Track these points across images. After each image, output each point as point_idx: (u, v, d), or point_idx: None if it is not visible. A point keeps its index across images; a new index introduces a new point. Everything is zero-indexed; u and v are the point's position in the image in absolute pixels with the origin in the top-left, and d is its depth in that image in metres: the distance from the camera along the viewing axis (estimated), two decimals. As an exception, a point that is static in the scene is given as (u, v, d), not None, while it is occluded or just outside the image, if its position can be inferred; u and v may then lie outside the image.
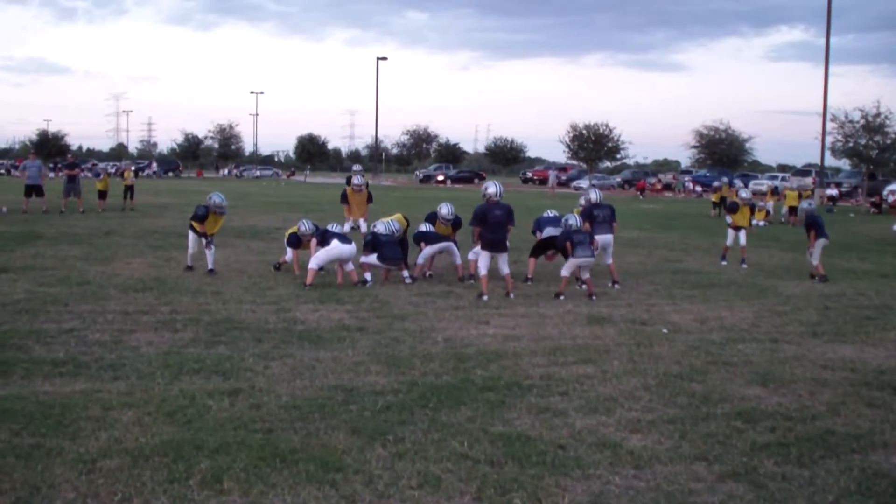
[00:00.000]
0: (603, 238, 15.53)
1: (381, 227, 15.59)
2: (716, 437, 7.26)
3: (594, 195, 16.30)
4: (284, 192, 58.67)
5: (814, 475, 6.46)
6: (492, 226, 13.79)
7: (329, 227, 15.42)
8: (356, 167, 24.84)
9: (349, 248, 14.60)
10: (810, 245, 17.75)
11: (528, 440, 6.97)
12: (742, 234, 19.32)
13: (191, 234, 16.28)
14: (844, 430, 7.56)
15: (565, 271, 14.24)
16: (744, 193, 20.07)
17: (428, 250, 15.72)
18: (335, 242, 14.54)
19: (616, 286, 15.52)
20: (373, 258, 14.85)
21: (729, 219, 19.66)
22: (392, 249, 15.05)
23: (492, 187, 14.08)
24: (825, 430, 7.56)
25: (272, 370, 9.01)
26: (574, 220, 14.66)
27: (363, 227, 19.39)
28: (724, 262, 19.30)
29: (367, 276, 15.13)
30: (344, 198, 20.50)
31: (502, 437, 7.00)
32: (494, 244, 13.86)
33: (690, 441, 7.13)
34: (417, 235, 15.96)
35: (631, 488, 6.10)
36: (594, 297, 14.07)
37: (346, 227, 18.38)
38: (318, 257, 14.61)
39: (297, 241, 15.96)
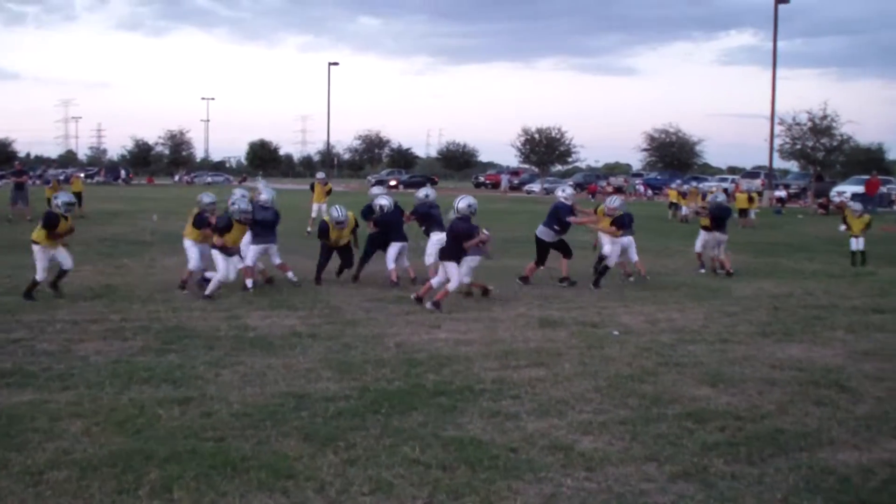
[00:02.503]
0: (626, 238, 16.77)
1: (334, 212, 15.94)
2: (666, 437, 7.32)
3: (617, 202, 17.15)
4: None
5: (763, 473, 6.54)
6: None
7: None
8: (320, 174, 29.47)
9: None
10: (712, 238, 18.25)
11: (480, 444, 6.99)
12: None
13: (194, 249, 14.86)
14: (793, 429, 7.66)
15: (466, 278, 14.27)
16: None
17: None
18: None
19: (641, 279, 17.05)
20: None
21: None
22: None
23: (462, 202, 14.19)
24: (774, 428, 7.66)
25: (223, 378, 8.96)
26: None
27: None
28: (702, 270, 19.09)
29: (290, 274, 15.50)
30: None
31: (454, 442, 7.01)
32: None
33: (641, 442, 7.18)
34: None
35: (582, 490, 6.14)
36: (490, 295, 14.26)
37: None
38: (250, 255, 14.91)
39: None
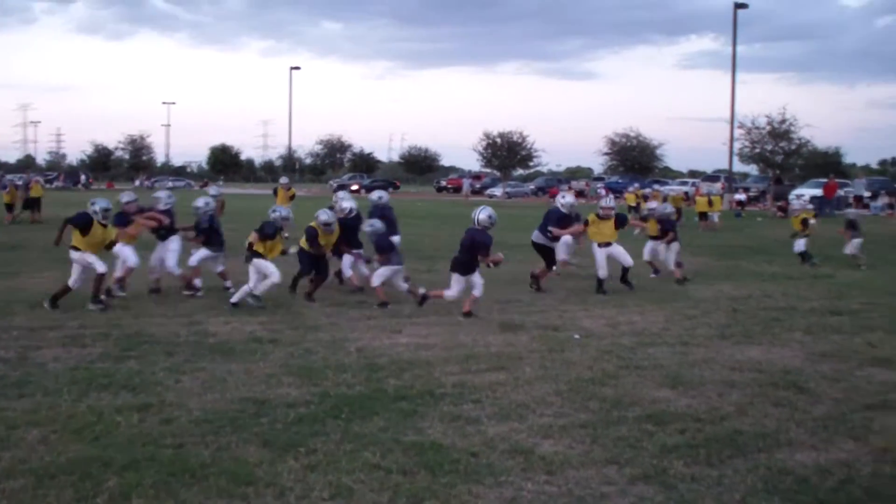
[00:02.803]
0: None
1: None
2: (627, 440, 7.35)
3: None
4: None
5: (722, 475, 6.59)
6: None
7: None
8: (283, 179, 29.87)
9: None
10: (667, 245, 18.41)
11: (441, 448, 6.99)
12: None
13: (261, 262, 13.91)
14: (752, 430, 7.71)
15: (376, 280, 14.28)
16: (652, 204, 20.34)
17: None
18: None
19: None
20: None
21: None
22: None
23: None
24: (733, 430, 7.71)
25: (183, 384, 8.91)
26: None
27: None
28: (652, 275, 18.89)
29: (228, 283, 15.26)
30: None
31: (415, 447, 7.01)
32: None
33: (602, 445, 7.21)
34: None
35: (543, 493, 6.16)
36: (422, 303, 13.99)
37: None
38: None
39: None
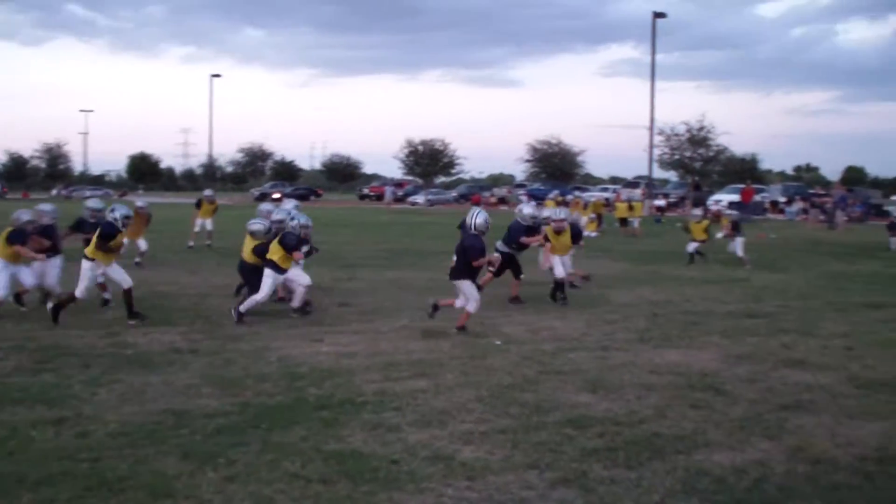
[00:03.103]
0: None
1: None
2: (547, 444, 7.40)
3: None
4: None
5: (641, 477, 6.67)
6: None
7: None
8: (208, 192, 28.77)
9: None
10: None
11: (362, 457, 6.98)
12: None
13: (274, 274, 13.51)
14: (670, 432, 7.82)
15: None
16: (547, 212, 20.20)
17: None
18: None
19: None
20: None
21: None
22: None
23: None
24: (652, 432, 7.81)
25: (100, 396, 8.77)
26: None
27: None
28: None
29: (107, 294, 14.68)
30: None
31: (335, 455, 6.99)
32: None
33: (522, 450, 7.25)
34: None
35: (464, 499, 6.18)
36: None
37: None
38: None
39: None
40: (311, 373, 9.90)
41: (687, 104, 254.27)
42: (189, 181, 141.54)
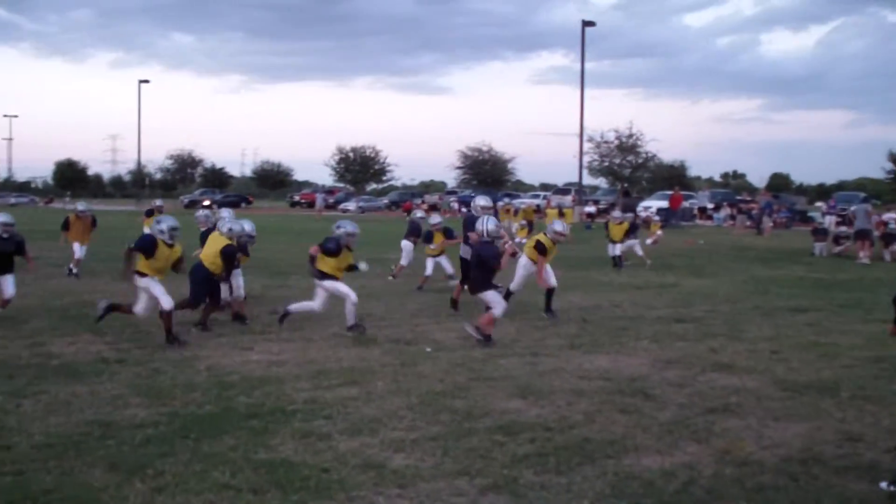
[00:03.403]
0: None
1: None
2: (478, 451, 7.42)
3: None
4: (42, 219, 56.29)
5: (571, 482, 6.71)
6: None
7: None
8: (158, 202, 28.78)
9: None
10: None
11: (292, 466, 6.94)
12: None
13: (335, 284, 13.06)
14: (600, 437, 7.88)
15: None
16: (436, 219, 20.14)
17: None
18: None
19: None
20: None
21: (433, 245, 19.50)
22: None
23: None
24: (582, 437, 7.86)
25: (24, 408, 8.60)
26: None
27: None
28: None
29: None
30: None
31: (265, 465, 6.94)
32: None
33: (453, 457, 7.26)
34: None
35: (394, 507, 6.17)
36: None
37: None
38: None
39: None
40: (240, 381, 9.82)
41: (617, 111, 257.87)
42: (117, 188, 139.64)
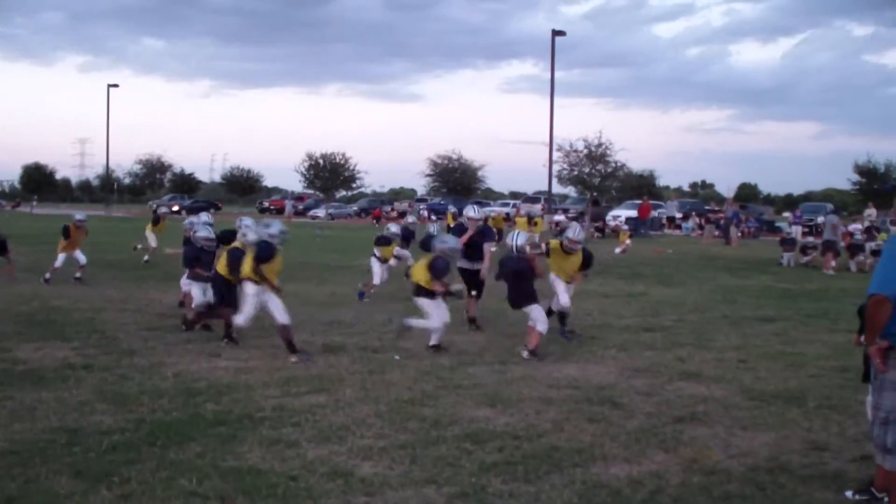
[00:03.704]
0: None
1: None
2: (446, 459, 7.41)
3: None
4: (9, 223, 55.88)
5: (539, 490, 6.71)
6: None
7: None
8: (164, 209, 28.54)
9: None
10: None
11: (259, 473, 6.91)
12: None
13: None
14: (568, 446, 7.89)
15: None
16: (393, 228, 19.96)
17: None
18: None
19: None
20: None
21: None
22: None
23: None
24: (550, 446, 7.87)
25: (-11, 414, 8.54)
26: None
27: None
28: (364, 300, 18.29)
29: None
30: None
31: (233, 472, 6.91)
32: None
33: (421, 465, 7.25)
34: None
35: (362, 516, 6.16)
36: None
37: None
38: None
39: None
40: (208, 388, 9.77)
41: (587, 120, 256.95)
42: (86, 192, 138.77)
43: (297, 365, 11.19)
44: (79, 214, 21.81)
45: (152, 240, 25.45)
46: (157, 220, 25.98)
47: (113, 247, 27.12)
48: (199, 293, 13.92)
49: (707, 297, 19.99)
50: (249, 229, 12.75)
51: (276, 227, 12.07)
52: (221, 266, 12.94)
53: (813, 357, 12.51)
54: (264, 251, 11.81)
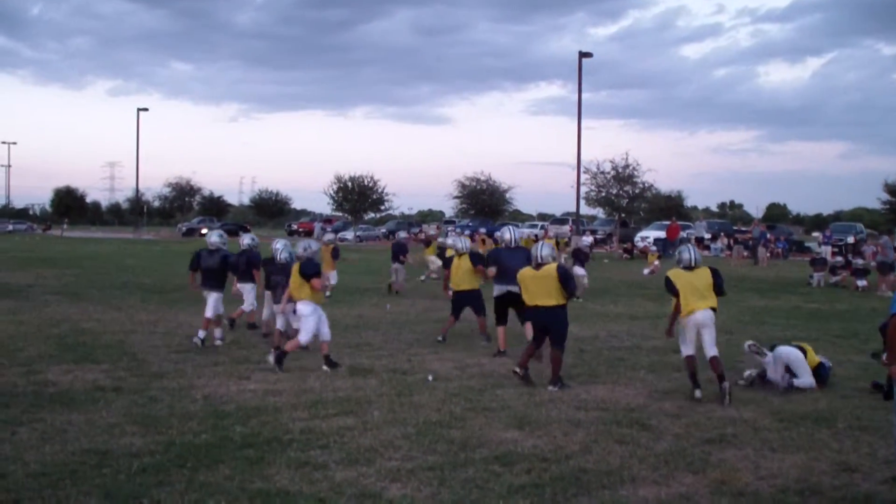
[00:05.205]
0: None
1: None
2: (474, 481, 7.41)
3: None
4: (39, 247, 56.34)
5: (567, 513, 6.70)
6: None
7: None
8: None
9: None
10: None
11: (288, 495, 6.93)
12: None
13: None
14: (596, 468, 7.87)
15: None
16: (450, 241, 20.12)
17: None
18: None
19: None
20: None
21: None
22: None
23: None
24: (578, 468, 7.85)
25: (20, 436, 8.59)
26: None
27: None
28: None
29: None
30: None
31: (261, 494, 6.93)
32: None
33: (449, 487, 7.25)
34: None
35: (390, 538, 6.16)
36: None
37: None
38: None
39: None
40: (237, 411, 9.81)
41: (614, 142, 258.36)
42: (115, 215, 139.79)
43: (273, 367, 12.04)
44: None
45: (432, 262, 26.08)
46: (427, 242, 26.34)
47: (143, 270, 27.24)
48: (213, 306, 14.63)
49: (735, 318, 19.88)
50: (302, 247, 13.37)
51: (313, 246, 13.17)
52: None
53: (842, 378, 12.43)
54: (311, 267, 12.68)
